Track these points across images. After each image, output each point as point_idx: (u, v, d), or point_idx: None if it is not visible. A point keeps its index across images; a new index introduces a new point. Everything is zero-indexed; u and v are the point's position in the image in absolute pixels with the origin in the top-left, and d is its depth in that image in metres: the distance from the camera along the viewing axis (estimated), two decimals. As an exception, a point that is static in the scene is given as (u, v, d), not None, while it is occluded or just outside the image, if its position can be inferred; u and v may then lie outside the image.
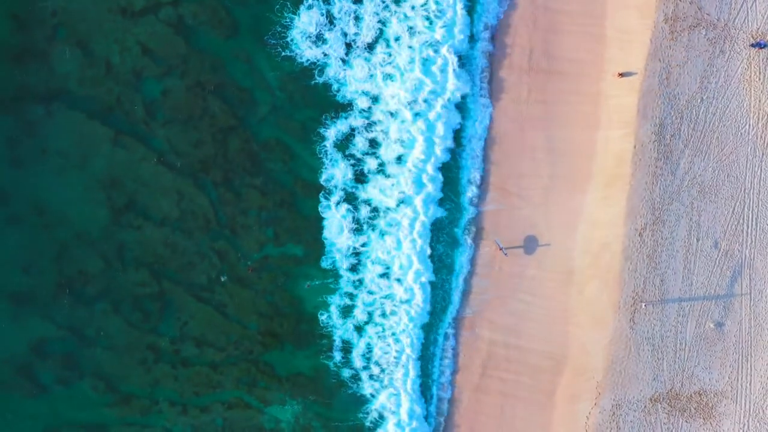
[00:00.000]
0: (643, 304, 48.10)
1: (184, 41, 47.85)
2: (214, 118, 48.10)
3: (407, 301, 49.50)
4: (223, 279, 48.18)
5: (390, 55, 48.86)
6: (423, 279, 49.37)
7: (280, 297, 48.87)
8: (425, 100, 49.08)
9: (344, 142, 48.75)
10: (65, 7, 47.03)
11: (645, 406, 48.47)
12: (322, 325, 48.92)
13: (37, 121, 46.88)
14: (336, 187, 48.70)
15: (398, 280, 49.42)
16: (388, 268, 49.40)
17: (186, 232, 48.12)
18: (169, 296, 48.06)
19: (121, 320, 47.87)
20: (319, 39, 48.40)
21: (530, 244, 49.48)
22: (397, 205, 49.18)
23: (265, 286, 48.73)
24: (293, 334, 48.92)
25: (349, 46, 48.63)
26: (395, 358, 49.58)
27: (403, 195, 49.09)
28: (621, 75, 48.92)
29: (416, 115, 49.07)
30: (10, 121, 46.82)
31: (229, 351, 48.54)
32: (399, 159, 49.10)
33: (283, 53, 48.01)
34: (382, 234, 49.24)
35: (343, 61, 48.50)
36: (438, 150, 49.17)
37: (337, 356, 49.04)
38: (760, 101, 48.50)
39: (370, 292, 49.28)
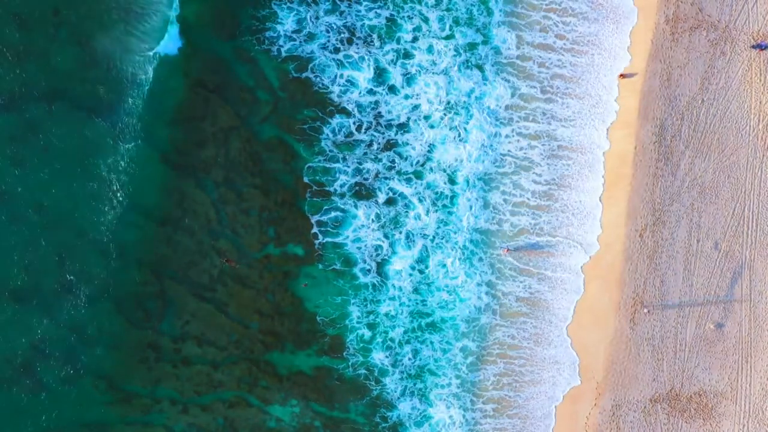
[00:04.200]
0: (645, 310, 48.12)
1: (187, 41, 47.86)
2: (216, 118, 48.11)
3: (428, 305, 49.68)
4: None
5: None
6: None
7: (281, 296, 48.92)
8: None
9: (348, 142, 48.92)
10: (67, 6, 47.08)
11: (645, 407, 48.56)
12: (335, 326, 49.05)
13: (39, 120, 46.84)
14: (342, 187, 48.79)
15: (426, 286, 49.56)
16: (420, 271, 49.51)
17: (187, 231, 48.14)
18: (171, 295, 48.05)
19: (123, 319, 47.84)
20: (311, 36, 48.60)
21: (531, 245, 49.55)
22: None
23: (266, 285, 48.79)
24: (294, 333, 48.98)
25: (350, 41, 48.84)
26: (412, 358, 49.61)
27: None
28: (622, 76, 49.01)
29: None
30: (11, 120, 46.79)
31: (230, 350, 48.58)
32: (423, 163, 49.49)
33: (260, 47, 47.96)
34: (409, 236, 49.31)
35: (340, 61, 48.71)
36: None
37: (353, 360, 49.15)
38: (760, 103, 48.58)
39: (392, 298, 49.28)
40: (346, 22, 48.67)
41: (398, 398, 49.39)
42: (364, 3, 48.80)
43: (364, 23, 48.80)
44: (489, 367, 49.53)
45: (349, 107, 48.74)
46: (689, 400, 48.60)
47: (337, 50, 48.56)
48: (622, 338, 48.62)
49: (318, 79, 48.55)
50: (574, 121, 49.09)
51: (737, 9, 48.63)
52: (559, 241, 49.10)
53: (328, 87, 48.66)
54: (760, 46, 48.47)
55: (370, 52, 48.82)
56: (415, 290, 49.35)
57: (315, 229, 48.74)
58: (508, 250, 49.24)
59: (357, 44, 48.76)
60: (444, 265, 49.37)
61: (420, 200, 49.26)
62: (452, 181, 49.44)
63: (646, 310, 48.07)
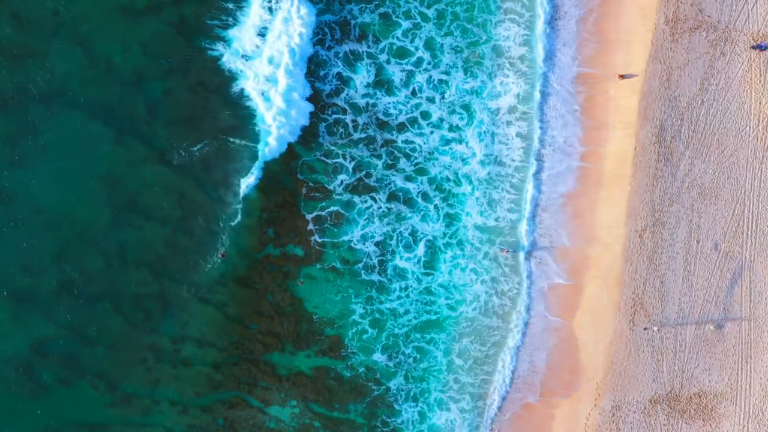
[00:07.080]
0: (655, 328, 48.09)
1: (186, 41, 47.88)
2: (215, 118, 48.12)
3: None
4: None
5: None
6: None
7: (280, 297, 48.92)
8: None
9: (347, 141, 48.91)
10: (67, 6, 47.11)
11: (645, 408, 48.55)
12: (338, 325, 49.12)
13: (38, 120, 46.86)
14: (342, 185, 48.76)
15: (433, 284, 49.51)
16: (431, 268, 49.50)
17: (187, 231, 48.15)
18: (170, 296, 48.07)
19: (122, 320, 47.85)
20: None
21: (531, 245, 49.59)
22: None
23: (266, 285, 48.78)
24: (294, 333, 48.98)
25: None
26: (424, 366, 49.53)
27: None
28: (622, 76, 49.03)
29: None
30: (10, 120, 46.80)
31: (229, 351, 48.57)
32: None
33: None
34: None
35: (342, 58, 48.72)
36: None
37: (354, 360, 49.13)
38: (760, 103, 48.59)
39: (397, 297, 49.16)
40: (339, 18, 48.59)
41: (400, 401, 49.29)
42: (358, 4, 48.80)
43: (358, 21, 48.73)
44: (490, 366, 49.54)
45: (348, 106, 48.74)
46: (689, 401, 48.59)
47: (330, 48, 48.46)
48: (621, 339, 48.62)
49: (314, 78, 48.53)
50: (566, 122, 49.22)
51: (737, 9, 48.63)
52: (557, 240, 49.19)
53: (325, 86, 48.62)
54: (759, 47, 48.47)
55: (367, 49, 48.75)
56: (420, 289, 49.29)
57: (311, 226, 48.72)
58: (507, 250, 49.26)
59: (352, 42, 48.73)
60: (453, 264, 49.26)
61: (424, 198, 49.25)
62: (456, 179, 49.42)
63: (656, 328, 48.04)
